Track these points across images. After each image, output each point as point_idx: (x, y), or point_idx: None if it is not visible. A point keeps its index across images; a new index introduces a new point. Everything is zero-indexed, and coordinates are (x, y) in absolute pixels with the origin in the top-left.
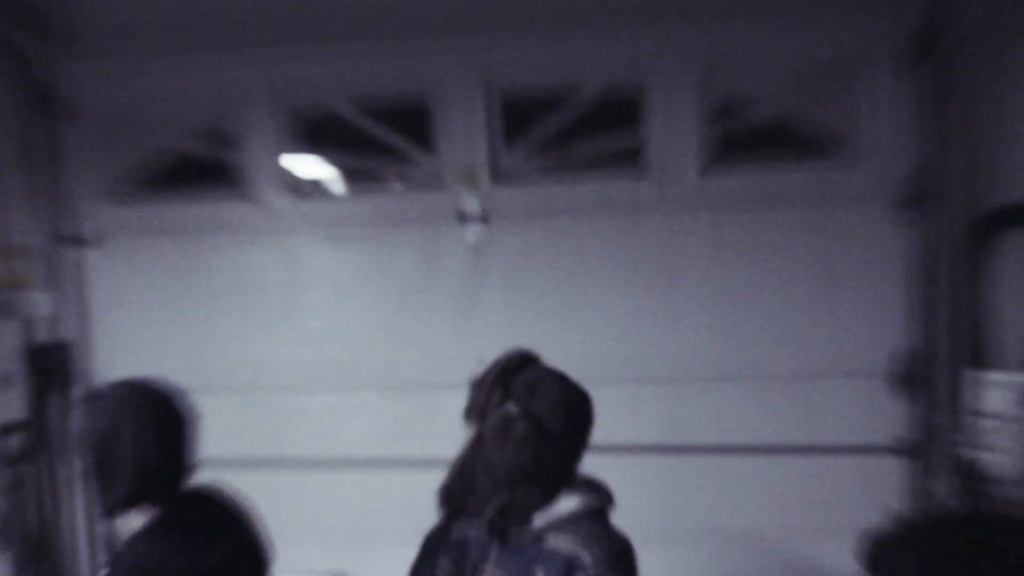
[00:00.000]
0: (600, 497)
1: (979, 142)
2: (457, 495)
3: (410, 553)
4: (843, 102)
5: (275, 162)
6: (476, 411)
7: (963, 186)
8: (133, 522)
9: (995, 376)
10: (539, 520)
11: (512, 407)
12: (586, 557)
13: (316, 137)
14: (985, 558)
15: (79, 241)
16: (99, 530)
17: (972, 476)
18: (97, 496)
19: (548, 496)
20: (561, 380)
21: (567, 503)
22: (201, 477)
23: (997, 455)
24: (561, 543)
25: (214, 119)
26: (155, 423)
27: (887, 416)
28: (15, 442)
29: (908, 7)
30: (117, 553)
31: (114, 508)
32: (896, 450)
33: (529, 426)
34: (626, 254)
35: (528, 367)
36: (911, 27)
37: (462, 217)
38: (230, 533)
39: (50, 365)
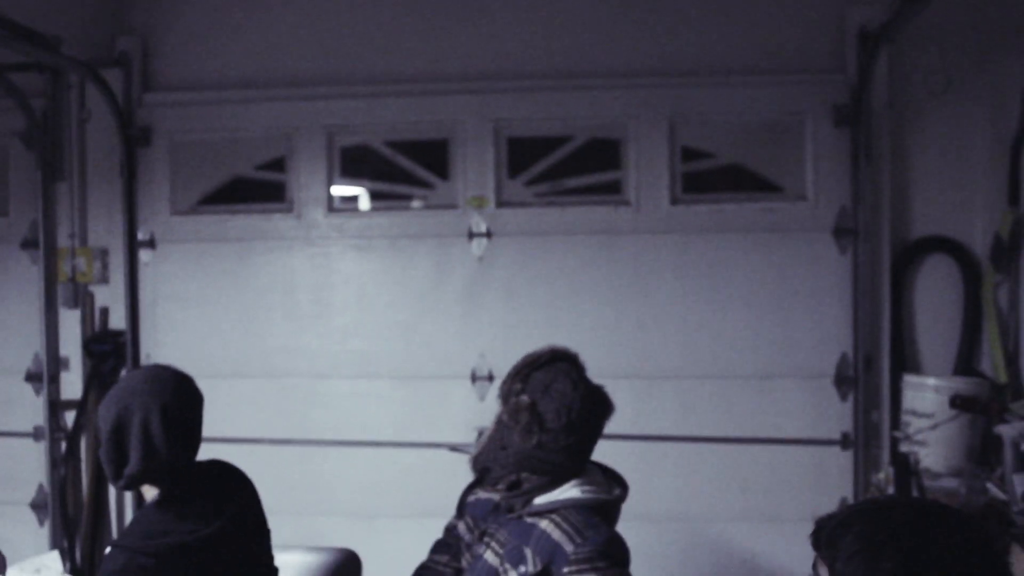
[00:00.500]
0: (608, 491)
1: (897, 188)
2: (483, 465)
3: (413, 528)
4: (788, 150)
5: (319, 185)
6: (501, 396)
7: (889, 221)
8: (148, 494)
9: (929, 380)
10: (541, 500)
11: (524, 398)
12: (569, 548)
13: (353, 165)
14: (916, 537)
15: (146, 245)
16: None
17: (907, 467)
18: (109, 474)
19: (552, 481)
20: (575, 383)
21: (570, 491)
22: (231, 452)
23: (929, 449)
24: (552, 528)
25: (270, 151)
26: (162, 409)
27: (833, 413)
28: (71, 418)
29: (839, 79)
30: (128, 524)
31: (126, 485)
32: (841, 443)
33: (532, 418)
34: (607, 268)
35: (555, 364)
36: (842, 94)
37: (470, 234)
38: (230, 505)
39: (104, 351)
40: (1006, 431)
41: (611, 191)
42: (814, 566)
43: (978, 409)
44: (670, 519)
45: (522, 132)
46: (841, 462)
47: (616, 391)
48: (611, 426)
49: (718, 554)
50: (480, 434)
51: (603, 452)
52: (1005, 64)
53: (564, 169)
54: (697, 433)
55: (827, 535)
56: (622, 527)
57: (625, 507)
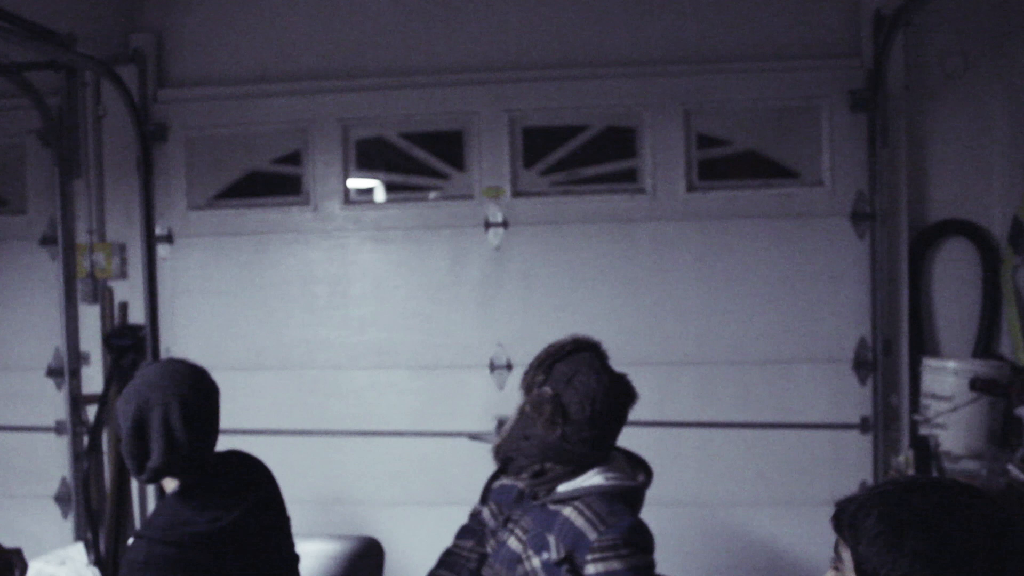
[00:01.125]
0: (632, 478)
1: (915, 171)
2: (506, 454)
3: (433, 515)
4: (804, 136)
5: (335, 178)
6: (524, 386)
7: (906, 205)
8: (168, 485)
9: (948, 363)
10: (564, 487)
11: (547, 390)
12: (592, 535)
13: (369, 157)
14: (938, 518)
15: (163, 240)
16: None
17: (927, 451)
18: (132, 468)
19: (575, 470)
20: (598, 374)
21: (593, 478)
22: (252, 444)
23: (948, 432)
24: (576, 516)
25: (286, 144)
26: (181, 402)
27: (853, 397)
28: (93, 412)
29: (854, 63)
30: (150, 515)
31: (148, 479)
32: (860, 427)
33: (555, 410)
34: (624, 257)
35: (577, 354)
36: (858, 78)
37: (486, 224)
38: (249, 494)
39: (124, 345)
40: (1019, 409)
41: (627, 179)
42: (836, 548)
43: (998, 391)
44: (690, 505)
45: (537, 122)
46: (860, 446)
47: (635, 378)
48: (633, 413)
49: (738, 539)
50: (501, 423)
51: (623, 439)
52: (1022, 46)
53: (580, 158)
54: (717, 419)
55: (849, 517)
56: (643, 513)
57: (646, 493)
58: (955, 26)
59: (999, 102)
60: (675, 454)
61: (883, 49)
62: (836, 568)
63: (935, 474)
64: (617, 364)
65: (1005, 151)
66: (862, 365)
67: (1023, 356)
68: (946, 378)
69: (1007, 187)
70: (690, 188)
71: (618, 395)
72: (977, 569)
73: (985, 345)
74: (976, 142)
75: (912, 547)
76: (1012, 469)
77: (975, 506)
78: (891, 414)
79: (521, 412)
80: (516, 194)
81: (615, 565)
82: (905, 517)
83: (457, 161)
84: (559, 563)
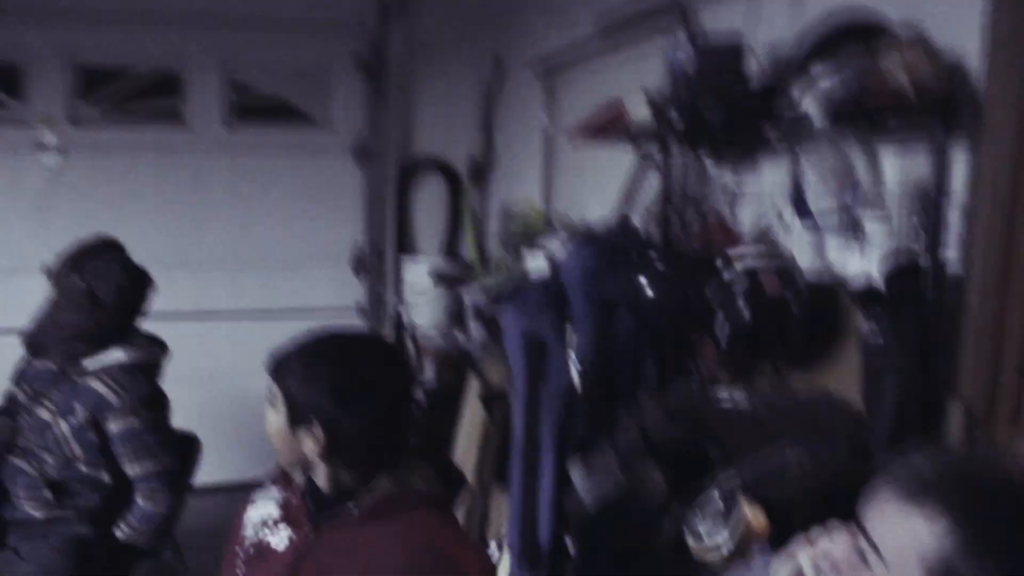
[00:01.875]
0: (151, 354)
1: (405, 121)
2: (36, 340)
3: None
4: (322, 89)
5: None
6: (53, 279)
7: (396, 145)
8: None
9: (421, 262)
10: (90, 363)
11: (77, 280)
12: (113, 399)
13: None
14: (342, 355)
15: None
16: None
17: (404, 328)
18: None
19: (98, 348)
20: (123, 267)
21: (115, 353)
22: None
23: (420, 312)
24: (100, 385)
25: None
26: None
27: (351, 288)
28: None
29: (362, 33)
30: None
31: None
32: (356, 310)
33: (85, 296)
34: (170, 181)
35: (105, 251)
36: (364, 46)
37: (41, 148)
38: None
39: None
40: (466, 295)
41: (174, 116)
42: (271, 389)
43: (453, 282)
44: (221, 377)
45: (95, 59)
46: (357, 324)
47: (176, 277)
48: (176, 304)
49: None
50: None
51: (168, 327)
52: (481, 31)
53: (133, 95)
54: (243, 307)
55: (278, 362)
56: (185, 387)
57: (184, 371)
58: (441, 12)
59: (466, 73)
60: (210, 338)
61: (384, 26)
62: (271, 404)
63: (409, 343)
64: (165, 265)
65: (468, 109)
66: (359, 264)
67: (475, 256)
68: (420, 273)
69: (469, 136)
70: (226, 126)
71: (142, 284)
72: (368, 393)
73: (449, 248)
74: (450, 100)
75: (322, 377)
76: (460, 336)
77: (367, 346)
78: (379, 300)
79: (54, 303)
80: (74, 123)
81: (133, 422)
82: (318, 357)
83: (16, 91)
84: (84, 426)
